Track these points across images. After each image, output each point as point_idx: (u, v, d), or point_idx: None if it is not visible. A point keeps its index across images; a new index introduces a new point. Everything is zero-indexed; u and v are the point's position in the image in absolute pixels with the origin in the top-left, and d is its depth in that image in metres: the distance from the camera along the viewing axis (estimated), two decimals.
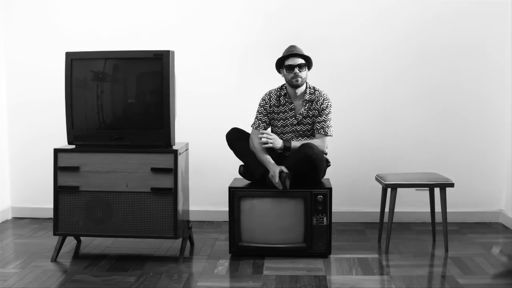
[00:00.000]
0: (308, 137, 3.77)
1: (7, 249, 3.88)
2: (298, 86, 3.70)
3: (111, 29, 4.45)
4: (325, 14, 4.45)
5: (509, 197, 4.40)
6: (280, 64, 3.76)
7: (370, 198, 4.44)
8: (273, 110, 3.79)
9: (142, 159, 3.53)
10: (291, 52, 3.68)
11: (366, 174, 4.41)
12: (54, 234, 3.63)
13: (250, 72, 4.46)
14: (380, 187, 3.96)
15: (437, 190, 3.86)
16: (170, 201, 3.52)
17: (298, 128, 3.75)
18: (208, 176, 4.50)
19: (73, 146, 3.64)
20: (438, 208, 3.84)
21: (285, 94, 3.76)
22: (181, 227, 3.61)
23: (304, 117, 3.74)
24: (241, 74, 4.49)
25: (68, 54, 3.60)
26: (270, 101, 3.80)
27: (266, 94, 3.84)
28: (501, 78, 4.42)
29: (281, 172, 3.54)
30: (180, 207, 3.58)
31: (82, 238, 3.94)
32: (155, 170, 3.52)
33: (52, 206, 3.63)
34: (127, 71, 3.68)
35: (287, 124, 3.76)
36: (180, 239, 3.67)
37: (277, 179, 3.53)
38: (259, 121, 3.81)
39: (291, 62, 3.67)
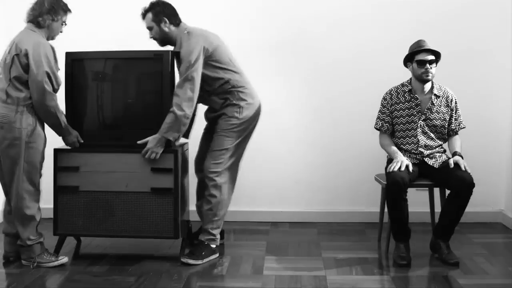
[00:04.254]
0: (434, 133, 3.74)
1: None
2: (428, 81, 3.67)
3: (111, 30, 4.44)
4: (324, 11, 4.45)
5: (509, 197, 4.40)
6: (409, 59, 3.72)
7: (370, 198, 4.44)
8: (394, 108, 3.76)
9: (142, 159, 3.52)
10: (422, 47, 3.64)
11: (366, 174, 4.41)
12: (54, 234, 3.63)
13: (248, 70, 4.44)
14: (380, 187, 3.96)
15: (436, 190, 3.86)
16: (170, 201, 3.52)
17: (424, 123, 3.72)
18: None
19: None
20: (438, 208, 3.84)
21: (409, 90, 3.73)
22: (181, 227, 3.61)
23: (432, 112, 3.71)
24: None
25: (68, 54, 3.59)
26: (391, 100, 3.78)
27: (386, 92, 3.82)
28: (501, 79, 4.42)
29: (407, 166, 3.56)
30: (180, 207, 3.57)
31: (82, 238, 3.94)
32: (155, 170, 3.52)
33: (52, 206, 3.63)
34: (127, 71, 3.67)
35: (413, 120, 3.72)
36: (180, 239, 3.67)
37: (397, 166, 3.53)
38: (382, 121, 3.80)
39: (422, 57, 3.62)
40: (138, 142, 3.50)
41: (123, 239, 3.85)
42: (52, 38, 3.54)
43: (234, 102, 3.63)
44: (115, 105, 3.66)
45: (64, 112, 3.56)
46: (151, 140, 3.48)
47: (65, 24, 3.55)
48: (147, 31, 3.69)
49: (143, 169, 3.53)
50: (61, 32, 3.55)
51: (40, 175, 3.49)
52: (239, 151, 3.71)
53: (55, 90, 3.41)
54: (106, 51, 3.68)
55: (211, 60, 3.55)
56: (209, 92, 3.63)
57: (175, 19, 3.63)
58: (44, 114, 3.39)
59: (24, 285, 3.22)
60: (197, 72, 3.47)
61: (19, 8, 4.64)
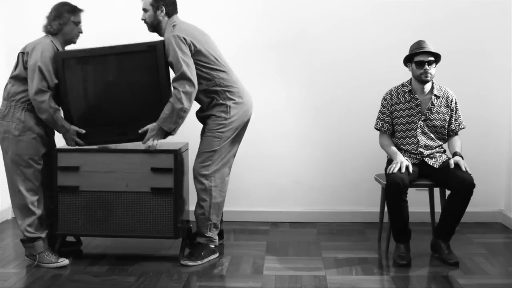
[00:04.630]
0: (434, 133, 3.74)
1: (7, 249, 3.88)
2: (427, 82, 3.67)
3: (107, 30, 4.41)
4: (324, 12, 4.45)
5: (509, 197, 4.40)
6: (409, 59, 3.72)
7: (370, 198, 4.44)
8: (394, 108, 3.77)
9: (142, 159, 3.52)
10: (422, 49, 3.64)
11: (366, 174, 4.42)
12: (55, 234, 3.63)
13: (248, 71, 4.44)
14: (380, 187, 3.96)
15: (437, 190, 3.86)
16: (170, 201, 3.52)
17: (424, 123, 3.72)
18: None
19: (73, 146, 3.64)
20: (438, 208, 3.84)
21: (409, 91, 3.73)
22: (181, 227, 3.61)
23: (432, 113, 3.71)
24: (240, 73, 4.48)
25: (57, 54, 3.50)
26: (391, 100, 3.78)
27: (387, 93, 3.82)
28: (501, 78, 4.42)
29: (407, 167, 3.56)
30: (180, 207, 3.57)
31: (82, 238, 3.94)
32: (155, 170, 3.52)
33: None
34: (121, 66, 3.57)
35: (413, 120, 3.72)
36: (180, 239, 3.67)
37: (397, 167, 3.53)
38: (382, 121, 3.80)
39: (421, 58, 3.63)
40: (140, 131, 3.48)
41: (123, 239, 3.85)
42: (72, 42, 3.60)
43: (221, 101, 3.57)
44: (112, 102, 3.57)
45: (62, 113, 3.55)
46: (150, 129, 3.46)
47: (79, 24, 3.58)
48: (142, 28, 3.65)
49: (143, 169, 3.52)
50: (80, 33, 3.60)
51: (37, 170, 3.49)
52: (229, 152, 3.65)
53: (50, 88, 3.44)
54: (97, 48, 3.56)
55: (195, 58, 3.49)
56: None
57: (172, 9, 3.60)
58: (36, 108, 3.42)
59: (24, 285, 3.22)
60: (190, 67, 3.41)
61: (19, 8, 4.65)
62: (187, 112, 3.46)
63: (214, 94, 3.58)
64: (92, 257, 3.69)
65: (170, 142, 3.76)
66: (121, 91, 3.58)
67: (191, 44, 3.47)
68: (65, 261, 3.51)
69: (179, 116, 3.43)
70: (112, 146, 3.66)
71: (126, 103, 3.58)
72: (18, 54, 3.51)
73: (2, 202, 4.60)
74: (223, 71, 3.59)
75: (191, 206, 3.97)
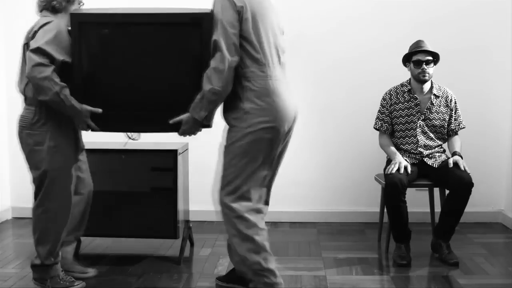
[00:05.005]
0: (433, 133, 3.75)
1: (7, 249, 3.88)
2: (425, 81, 3.68)
3: None
4: (323, 12, 4.46)
5: (509, 197, 4.40)
6: (407, 58, 3.74)
7: (370, 198, 4.44)
8: (394, 108, 3.77)
9: (142, 159, 3.52)
10: (420, 48, 3.65)
11: (366, 174, 4.42)
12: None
13: None
14: (380, 187, 3.96)
15: (436, 190, 3.86)
16: (170, 201, 3.52)
17: (423, 123, 3.73)
18: (208, 176, 4.49)
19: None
20: (438, 208, 3.84)
21: (409, 90, 3.74)
22: (181, 227, 3.61)
23: (431, 112, 3.72)
24: None
25: (74, 16, 2.82)
26: (391, 100, 3.79)
27: (386, 93, 3.83)
28: (501, 78, 4.42)
29: (405, 167, 3.57)
30: (180, 207, 3.57)
31: (82, 238, 3.94)
32: (155, 169, 3.52)
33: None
34: (156, 40, 2.88)
35: (412, 120, 3.73)
36: (180, 239, 3.67)
37: (395, 168, 3.54)
38: (381, 121, 3.81)
39: (419, 57, 3.64)
40: (171, 121, 2.82)
41: (123, 239, 3.85)
42: (67, 27, 2.95)
43: (239, 103, 2.76)
44: (138, 81, 2.90)
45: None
46: (184, 121, 2.80)
47: (82, 4, 3.05)
48: None
49: (143, 169, 3.52)
50: None
51: (71, 182, 3.05)
52: (258, 172, 2.79)
53: (54, 61, 2.81)
54: (125, 11, 2.91)
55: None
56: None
57: None
58: (36, 87, 2.79)
59: (24, 285, 3.22)
60: (228, 37, 2.65)
61: (19, 8, 4.65)
62: (219, 95, 2.68)
63: (237, 89, 2.76)
64: (92, 257, 3.69)
65: (170, 142, 3.76)
66: (152, 70, 2.89)
67: (241, 11, 2.69)
68: (81, 284, 3.14)
69: (209, 100, 2.69)
70: (113, 146, 3.65)
71: (157, 86, 2.91)
72: (23, 45, 2.93)
73: (2, 202, 4.60)
74: (259, 62, 2.75)
75: (191, 206, 3.98)
